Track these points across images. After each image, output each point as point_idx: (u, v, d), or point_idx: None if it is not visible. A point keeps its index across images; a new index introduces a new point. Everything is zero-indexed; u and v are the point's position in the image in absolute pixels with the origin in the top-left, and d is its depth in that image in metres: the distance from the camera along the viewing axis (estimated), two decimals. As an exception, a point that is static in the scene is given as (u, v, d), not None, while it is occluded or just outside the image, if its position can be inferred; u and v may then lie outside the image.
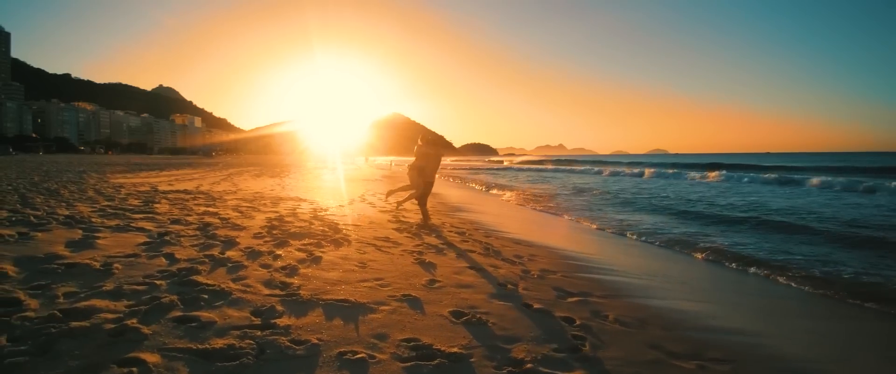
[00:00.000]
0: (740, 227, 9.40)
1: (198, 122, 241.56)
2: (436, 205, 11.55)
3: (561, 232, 8.72)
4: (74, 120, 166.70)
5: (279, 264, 4.22)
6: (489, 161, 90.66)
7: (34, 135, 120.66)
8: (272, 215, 7.15)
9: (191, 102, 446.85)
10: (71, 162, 36.74)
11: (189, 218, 6.29)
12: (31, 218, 5.43)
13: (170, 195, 9.70)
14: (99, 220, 5.53)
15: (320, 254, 4.76)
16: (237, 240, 5.05)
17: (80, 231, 4.72)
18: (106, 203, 7.53)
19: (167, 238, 4.70)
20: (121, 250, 4.13)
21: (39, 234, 4.43)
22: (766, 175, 26.30)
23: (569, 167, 49.74)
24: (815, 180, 22.06)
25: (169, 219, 6.15)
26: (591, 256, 6.24)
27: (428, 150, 7.29)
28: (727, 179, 25.73)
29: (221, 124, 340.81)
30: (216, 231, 5.39)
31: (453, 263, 5.04)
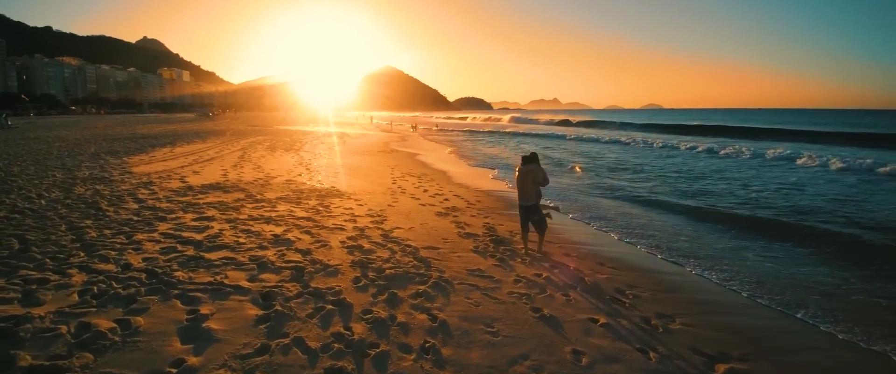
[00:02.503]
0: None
1: (186, 76, 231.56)
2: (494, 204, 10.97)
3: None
4: (60, 76, 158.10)
5: (415, 342, 3.70)
6: (490, 119, 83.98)
7: (24, 97, 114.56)
8: (343, 237, 6.55)
9: (177, 55, 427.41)
10: (71, 131, 35.15)
11: (267, 253, 5.66)
12: (114, 285, 4.32)
13: (209, 197, 8.96)
14: (182, 273, 4.87)
15: (439, 313, 4.25)
16: (342, 293, 4.49)
17: (179, 304, 4.07)
18: (160, 225, 6.84)
19: (277, 307, 4.09)
20: (246, 339, 3.54)
21: (140, 319, 3.74)
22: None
23: (580, 132, 47.40)
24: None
25: (247, 254, 5.53)
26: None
27: (520, 167, 6.65)
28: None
29: (210, 78, 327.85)
30: (314, 282, 4.80)
31: (573, 313, 4.58)
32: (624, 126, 54.59)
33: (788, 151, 22.95)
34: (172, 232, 6.17)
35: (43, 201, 7.94)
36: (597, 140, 35.66)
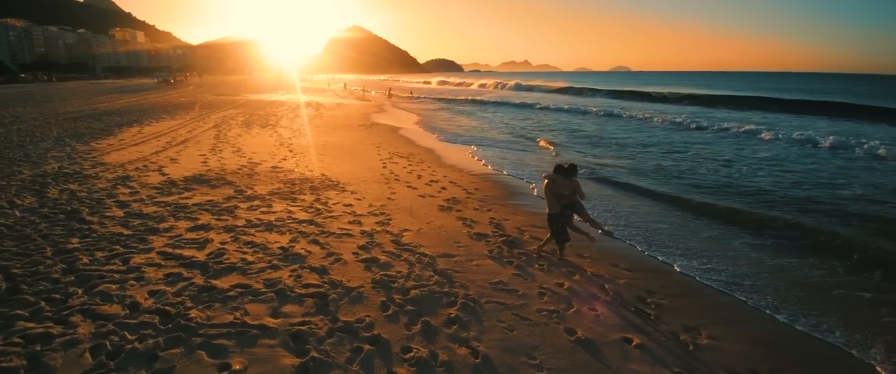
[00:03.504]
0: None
1: (141, 36, 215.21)
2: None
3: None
4: (5, 39, 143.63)
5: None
6: (462, 84, 76.59)
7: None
8: (354, 247, 6.18)
9: (129, 14, 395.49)
10: (27, 108, 32.56)
11: (281, 275, 5.25)
12: (127, 336, 3.78)
13: (196, 195, 8.31)
14: (198, 312, 4.41)
15: (478, 345, 4.02)
16: (374, 326, 4.18)
17: (205, 356, 3.55)
18: (154, 240, 6.27)
19: (313, 353, 3.68)
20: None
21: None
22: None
23: (557, 100, 46.84)
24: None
25: (260, 277, 5.12)
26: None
27: (549, 174, 6.35)
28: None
29: (166, 38, 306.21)
30: (341, 313, 4.46)
31: (605, 332, 4.47)
32: (596, 93, 54.29)
33: (763, 127, 23.56)
34: (170, 250, 5.63)
35: (17, 213, 7.12)
36: (573, 111, 35.62)
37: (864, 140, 17.69)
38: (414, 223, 7.40)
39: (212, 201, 8.15)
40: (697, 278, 5.98)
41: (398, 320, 4.36)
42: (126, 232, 6.22)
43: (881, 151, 15.97)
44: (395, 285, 5.06)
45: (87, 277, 4.87)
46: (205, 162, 11.79)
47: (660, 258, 6.59)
